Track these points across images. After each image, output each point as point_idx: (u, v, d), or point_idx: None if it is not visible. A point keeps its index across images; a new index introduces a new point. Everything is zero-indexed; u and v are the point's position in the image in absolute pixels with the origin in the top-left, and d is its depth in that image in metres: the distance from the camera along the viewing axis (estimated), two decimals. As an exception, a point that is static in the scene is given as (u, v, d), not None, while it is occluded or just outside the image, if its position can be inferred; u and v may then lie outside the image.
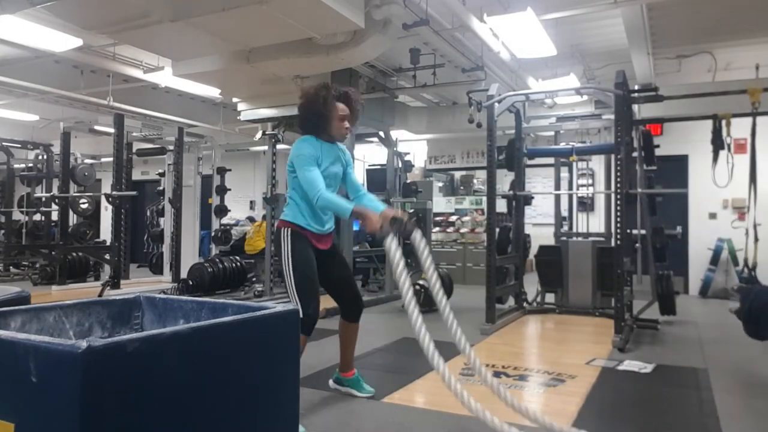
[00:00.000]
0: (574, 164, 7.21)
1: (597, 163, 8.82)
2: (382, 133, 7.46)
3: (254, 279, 8.17)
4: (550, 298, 6.49)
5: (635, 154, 5.35)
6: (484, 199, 6.29)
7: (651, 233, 5.35)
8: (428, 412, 3.08)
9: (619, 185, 4.81)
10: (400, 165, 7.70)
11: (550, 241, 7.15)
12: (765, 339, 4.26)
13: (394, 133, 8.03)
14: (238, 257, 7.99)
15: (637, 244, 5.41)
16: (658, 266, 5.45)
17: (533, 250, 7.08)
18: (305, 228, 2.95)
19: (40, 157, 10.15)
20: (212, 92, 7.19)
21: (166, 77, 6.79)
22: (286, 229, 2.97)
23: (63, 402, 1.14)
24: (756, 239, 4.74)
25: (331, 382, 3.28)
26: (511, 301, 6.44)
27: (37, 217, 10.34)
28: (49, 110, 9.06)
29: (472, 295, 7.24)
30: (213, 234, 9.87)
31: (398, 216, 2.72)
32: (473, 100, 6.06)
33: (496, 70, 6.65)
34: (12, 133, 10.06)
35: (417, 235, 2.73)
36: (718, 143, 4.86)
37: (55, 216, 9.46)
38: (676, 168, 8.13)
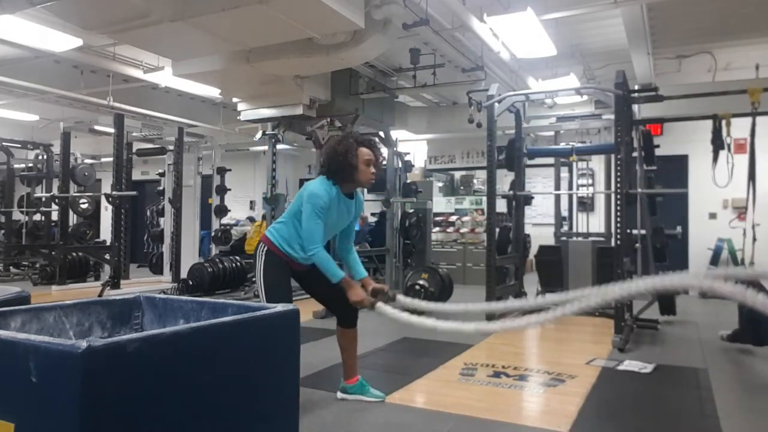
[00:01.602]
0: (574, 164, 7.21)
1: (597, 163, 8.82)
2: (382, 133, 7.46)
3: (254, 279, 8.16)
4: (550, 298, 6.48)
5: (635, 154, 5.35)
6: (484, 199, 6.29)
7: (651, 233, 5.35)
8: (428, 412, 3.08)
9: (619, 185, 4.81)
10: (400, 165, 7.69)
11: (550, 241, 7.15)
12: (764, 345, 4.26)
13: (394, 133, 8.02)
14: (238, 257, 7.99)
15: (637, 244, 5.41)
16: (658, 266, 5.44)
17: (533, 250, 7.09)
18: (286, 253, 2.97)
19: (40, 157, 10.15)
20: (212, 92, 7.19)
21: (166, 77, 6.78)
22: (263, 245, 3.00)
23: (63, 402, 1.14)
24: (754, 239, 4.75)
25: (338, 393, 3.22)
26: (511, 301, 6.44)
27: (37, 217, 10.34)
28: (49, 110, 9.06)
29: (472, 295, 7.22)
30: (213, 234, 9.87)
31: (378, 288, 2.98)
32: (473, 100, 6.06)
33: (496, 70, 6.65)
34: (12, 133, 10.06)
35: (401, 298, 2.93)
36: (718, 143, 4.86)
37: (55, 216, 9.46)
38: (676, 168, 8.13)
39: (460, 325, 2.55)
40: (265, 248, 2.99)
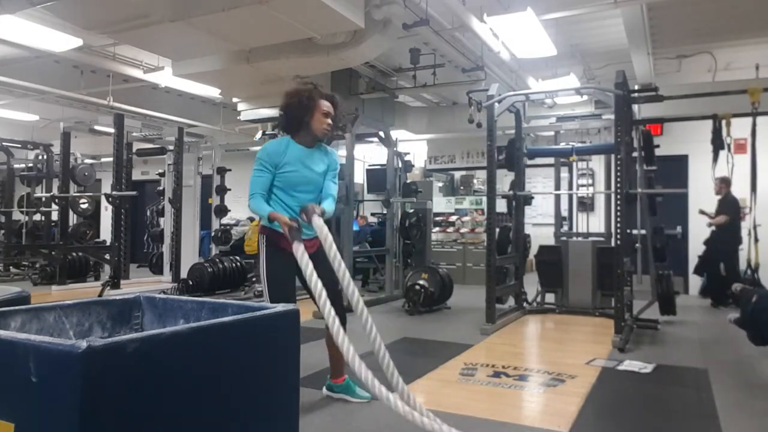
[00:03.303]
0: (574, 164, 7.21)
1: (597, 163, 8.81)
2: (382, 133, 7.46)
3: (254, 279, 8.16)
4: (550, 298, 6.49)
5: (635, 154, 5.35)
6: (484, 199, 6.29)
7: (651, 233, 5.35)
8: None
9: (619, 185, 4.81)
10: (400, 165, 7.70)
11: (550, 241, 7.15)
12: (767, 345, 4.26)
13: (394, 133, 8.02)
14: (238, 257, 7.99)
15: (637, 244, 5.41)
16: (658, 266, 5.45)
17: (533, 250, 7.08)
18: (278, 232, 2.85)
19: (40, 157, 10.14)
20: (212, 92, 7.19)
21: (166, 77, 6.79)
22: (262, 236, 2.98)
23: (63, 402, 1.14)
24: (756, 240, 4.75)
25: (324, 389, 3.24)
26: (511, 301, 6.44)
27: (37, 217, 10.33)
28: (49, 110, 9.06)
29: (472, 295, 7.24)
30: (213, 234, 9.86)
31: (306, 207, 2.75)
32: (473, 100, 6.06)
33: (496, 70, 6.65)
34: (12, 133, 10.06)
35: (319, 222, 2.67)
36: (718, 143, 4.86)
37: (55, 216, 9.46)
38: (676, 168, 8.12)
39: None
40: (264, 237, 2.96)
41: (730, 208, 6.74)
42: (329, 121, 2.99)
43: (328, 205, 2.93)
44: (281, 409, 1.65)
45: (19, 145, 9.97)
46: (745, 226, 4.97)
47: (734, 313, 4.49)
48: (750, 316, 4.20)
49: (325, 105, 2.99)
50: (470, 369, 3.90)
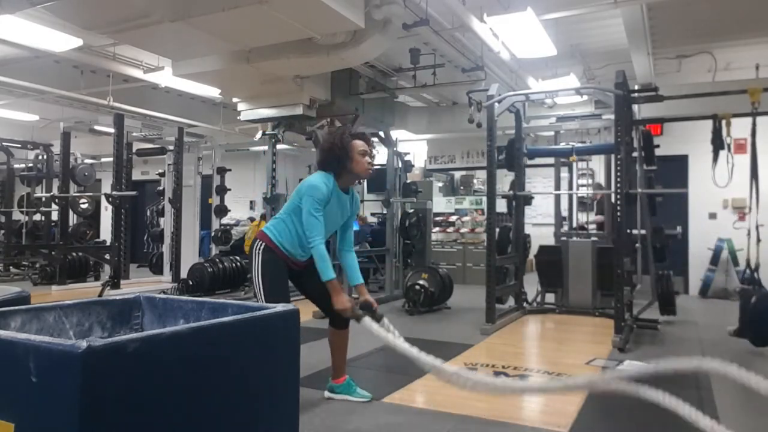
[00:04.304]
0: (574, 164, 7.21)
1: (597, 163, 8.81)
2: (382, 133, 7.46)
3: (250, 277, 8.16)
4: (550, 298, 6.49)
5: (635, 154, 5.35)
6: (484, 199, 6.29)
7: (651, 233, 5.35)
8: (428, 412, 3.08)
9: (619, 185, 4.81)
10: (400, 165, 7.70)
11: (550, 241, 7.15)
12: (763, 345, 4.27)
13: (394, 133, 8.02)
14: (238, 257, 7.99)
15: (637, 244, 5.41)
16: (658, 266, 5.45)
17: (533, 250, 7.08)
18: (282, 250, 2.97)
19: (40, 157, 10.14)
20: (212, 92, 7.18)
21: (166, 77, 6.78)
22: (260, 242, 2.99)
23: (63, 402, 1.14)
24: (758, 240, 4.74)
25: (325, 392, 3.24)
26: (511, 301, 6.44)
27: (37, 217, 10.34)
28: (49, 110, 9.05)
29: (472, 295, 7.24)
30: (213, 234, 9.87)
31: (368, 303, 2.90)
32: (473, 100, 6.05)
33: (496, 70, 6.65)
34: (12, 133, 10.05)
35: (385, 320, 2.79)
36: (718, 143, 4.86)
37: (55, 216, 9.46)
38: (676, 168, 8.12)
39: (436, 362, 2.29)
40: (262, 245, 2.98)
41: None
42: (368, 159, 3.04)
43: (356, 272, 3.14)
44: (281, 409, 1.66)
45: (19, 145, 9.97)
46: (745, 226, 4.96)
47: (732, 326, 4.52)
48: (750, 316, 4.21)
49: (360, 145, 3.02)
50: (470, 369, 3.90)
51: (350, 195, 3.13)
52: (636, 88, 5.72)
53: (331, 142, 3.02)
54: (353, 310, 2.80)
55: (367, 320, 2.69)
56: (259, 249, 2.98)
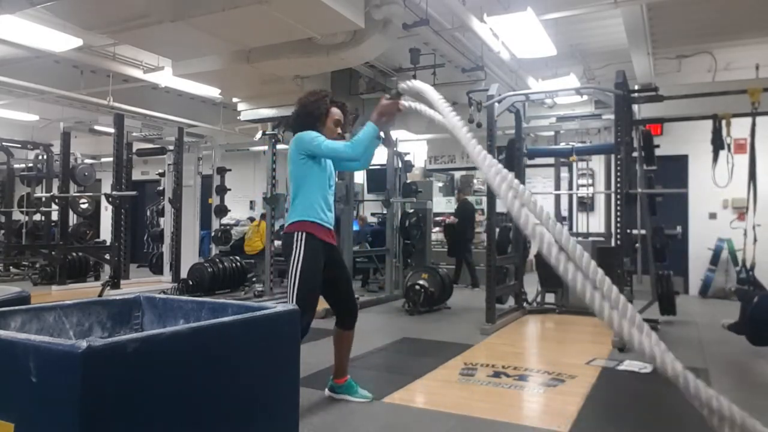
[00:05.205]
0: (574, 164, 7.21)
1: (597, 163, 8.82)
2: (382, 133, 7.45)
3: (254, 279, 8.17)
4: (550, 298, 6.49)
5: (635, 154, 5.35)
6: (484, 199, 6.29)
7: (651, 233, 5.35)
8: (428, 412, 3.08)
9: (619, 185, 4.81)
10: (400, 165, 7.70)
11: (550, 241, 7.14)
12: (760, 345, 4.26)
13: (394, 133, 8.02)
14: (238, 257, 7.99)
15: (637, 244, 5.41)
16: (658, 266, 5.45)
17: (533, 250, 7.08)
18: (319, 223, 2.91)
19: (40, 157, 10.15)
20: (212, 92, 7.19)
21: (166, 77, 6.79)
22: (300, 233, 2.89)
23: (63, 402, 1.14)
24: (755, 240, 4.74)
25: (326, 390, 3.24)
26: (511, 301, 6.44)
27: (37, 217, 10.34)
28: (49, 110, 9.06)
29: (472, 295, 7.24)
30: (213, 234, 9.87)
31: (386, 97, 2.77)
32: (473, 100, 6.06)
33: (496, 70, 6.65)
34: (12, 133, 10.06)
35: (424, 87, 2.58)
36: (718, 143, 4.86)
37: (55, 216, 9.46)
38: (676, 168, 8.12)
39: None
40: (304, 234, 2.88)
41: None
42: (339, 130, 3.03)
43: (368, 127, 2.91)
44: (281, 409, 1.66)
45: (19, 145, 9.98)
46: (744, 226, 4.97)
47: (727, 320, 4.51)
48: (750, 316, 4.21)
49: (337, 113, 3.02)
50: (470, 369, 3.90)
51: None
52: (636, 88, 5.72)
53: (309, 102, 2.99)
54: (390, 105, 2.75)
55: (403, 100, 2.65)
56: (301, 238, 2.88)
